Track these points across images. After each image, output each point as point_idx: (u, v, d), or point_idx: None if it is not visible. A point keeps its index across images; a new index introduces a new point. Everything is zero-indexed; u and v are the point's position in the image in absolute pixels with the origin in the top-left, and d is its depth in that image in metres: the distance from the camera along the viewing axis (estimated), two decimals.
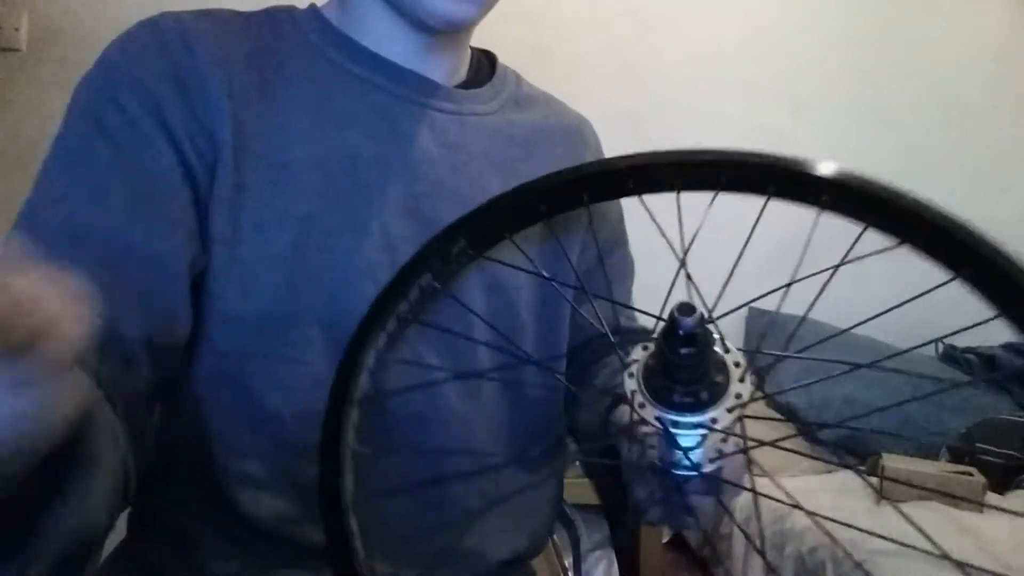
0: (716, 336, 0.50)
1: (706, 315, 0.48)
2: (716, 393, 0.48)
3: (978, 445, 1.79)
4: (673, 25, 2.24)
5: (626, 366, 0.51)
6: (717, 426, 0.48)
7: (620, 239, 0.89)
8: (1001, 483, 1.72)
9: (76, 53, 1.80)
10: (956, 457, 1.80)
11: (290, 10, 0.73)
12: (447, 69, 0.75)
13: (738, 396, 0.48)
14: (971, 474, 1.64)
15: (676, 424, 0.49)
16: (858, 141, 2.32)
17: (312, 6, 0.75)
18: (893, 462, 1.67)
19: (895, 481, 1.59)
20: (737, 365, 0.50)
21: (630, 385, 0.50)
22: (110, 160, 0.58)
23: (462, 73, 0.78)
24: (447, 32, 0.71)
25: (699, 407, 0.48)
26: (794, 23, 2.32)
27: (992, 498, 1.63)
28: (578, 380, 0.82)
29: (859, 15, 2.35)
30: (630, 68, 2.18)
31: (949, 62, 2.39)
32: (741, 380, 0.49)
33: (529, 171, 0.75)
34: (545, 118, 0.82)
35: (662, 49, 2.23)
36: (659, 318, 0.49)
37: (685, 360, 0.47)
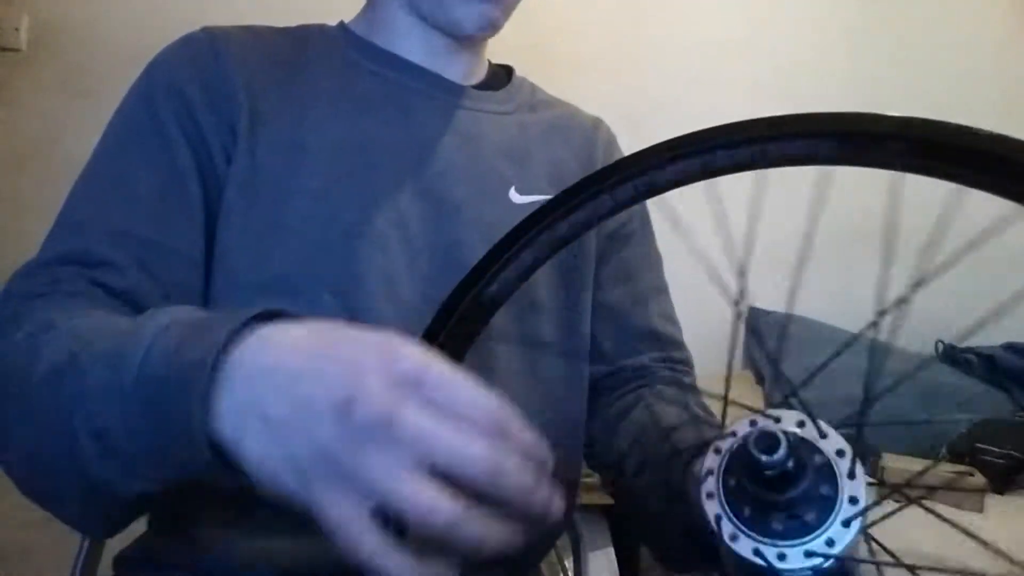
0: (801, 424, 0.40)
1: (788, 426, 0.38)
2: (825, 507, 0.39)
3: (978, 445, 1.79)
4: (673, 24, 2.24)
5: (699, 481, 0.41)
6: (835, 550, 0.39)
7: (641, 230, 0.89)
8: (1001, 483, 1.72)
9: (76, 53, 1.79)
10: (956, 457, 1.80)
11: (321, 25, 0.82)
12: (464, 71, 0.80)
13: (853, 500, 0.40)
14: (971, 474, 1.64)
15: (783, 557, 0.39)
16: None
17: (341, 22, 0.83)
18: (893, 462, 1.66)
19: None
20: (841, 454, 0.41)
21: (712, 509, 0.40)
22: (142, 166, 0.66)
23: (479, 76, 0.83)
24: (478, 40, 0.78)
25: (806, 530, 0.39)
26: (794, 22, 2.32)
27: (992, 498, 1.63)
28: (609, 433, 0.76)
29: (859, 15, 2.35)
30: (630, 68, 2.18)
31: (949, 62, 2.39)
32: (851, 476, 0.41)
33: (545, 160, 0.79)
34: (559, 118, 0.85)
35: (662, 48, 2.22)
36: (721, 432, 0.39)
37: (779, 496, 0.39)
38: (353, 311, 0.66)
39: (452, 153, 0.73)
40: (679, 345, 0.85)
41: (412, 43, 0.77)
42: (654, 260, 0.89)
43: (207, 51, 0.71)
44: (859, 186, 2.32)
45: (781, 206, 2.28)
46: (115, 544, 0.77)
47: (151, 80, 0.70)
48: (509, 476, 0.36)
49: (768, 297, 2.20)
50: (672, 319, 0.87)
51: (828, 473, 0.40)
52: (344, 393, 0.36)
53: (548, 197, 0.77)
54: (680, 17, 2.25)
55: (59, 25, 1.86)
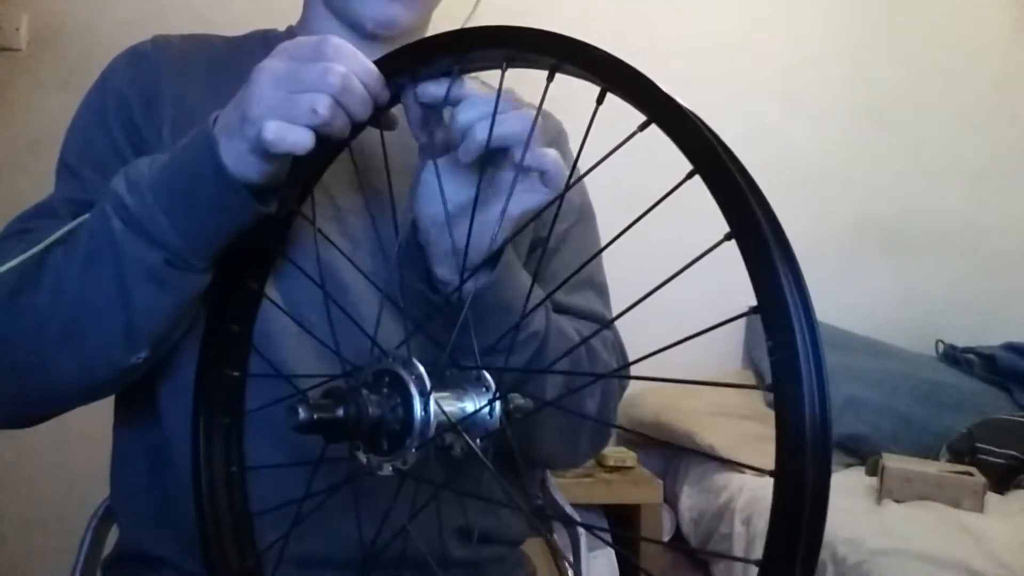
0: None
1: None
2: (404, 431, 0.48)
3: (978, 445, 1.79)
4: (673, 25, 2.24)
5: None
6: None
7: (579, 217, 0.85)
8: (1001, 483, 1.72)
9: (76, 53, 1.80)
10: (956, 457, 1.80)
11: (266, 32, 0.81)
12: None
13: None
14: (971, 474, 1.64)
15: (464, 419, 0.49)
16: (858, 141, 2.32)
17: (289, 27, 0.82)
18: (893, 462, 1.67)
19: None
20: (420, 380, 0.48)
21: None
22: (95, 179, 0.70)
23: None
24: (385, 36, 0.75)
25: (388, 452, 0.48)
26: (794, 23, 2.32)
27: (992, 498, 1.63)
28: None
29: (859, 15, 2.35)
30: None
31: (949, 61, 2.39)
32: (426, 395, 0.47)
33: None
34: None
35: (662, 49, 2.22)
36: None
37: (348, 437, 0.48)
38: (295, 303, 0.68)
39: (391, 159, 0.68)
40: (600, 319, 0.80)
41: None
42: (588, 245, 0.85)
43: (150, 61, 0.75)
44: (861, 188, 2.33)
45: (782, 207, 2.29)
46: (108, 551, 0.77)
47: (103, 91, 0.75)
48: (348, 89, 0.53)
49: None
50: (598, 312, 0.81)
51: (406, 403, 0.48)
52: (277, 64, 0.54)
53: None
54: (681, 18, 2.25)
55: (59, 25, 1.86)
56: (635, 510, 1.79)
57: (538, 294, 0.67)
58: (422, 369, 0.48)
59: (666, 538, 1.91)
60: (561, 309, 0.76)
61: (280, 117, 0.52)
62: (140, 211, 0.57)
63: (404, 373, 0.49)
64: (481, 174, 0.57)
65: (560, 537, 1.03)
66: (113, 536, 0.83)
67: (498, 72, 0.53)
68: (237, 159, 0.55)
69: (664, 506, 1.87)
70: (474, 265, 0.59)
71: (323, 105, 0.52)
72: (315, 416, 0.48)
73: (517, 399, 0.51)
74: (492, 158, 0.56)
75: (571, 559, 0.96)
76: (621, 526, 1.85)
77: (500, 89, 0.53)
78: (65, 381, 0.63)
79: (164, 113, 0.72)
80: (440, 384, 0.49)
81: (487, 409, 0.49)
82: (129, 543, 0.73)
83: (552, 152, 0.55)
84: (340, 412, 0.48)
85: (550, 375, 0.68)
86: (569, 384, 0.70)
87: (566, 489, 1.22)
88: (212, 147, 0.55)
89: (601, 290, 0.84)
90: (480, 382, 0.50)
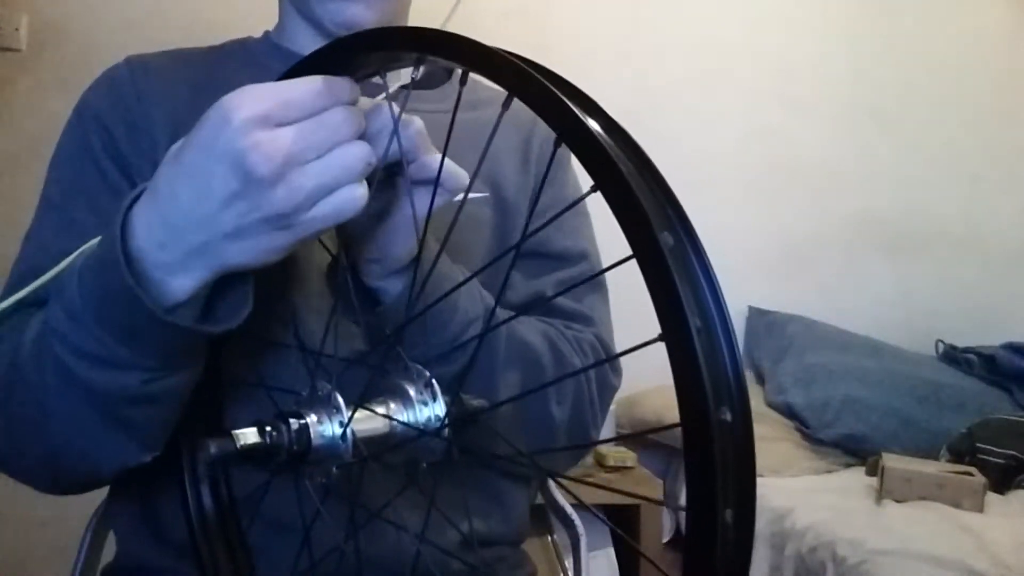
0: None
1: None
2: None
3: (978, 445, 1.79)
4: (673, 25, 2.24)
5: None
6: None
7: (561, 227, 0.81)
8: (1001, 483, 1.72)
9: (76, 53, 1.79)
10: (956, 457, 1.80)
11: (245, 39, 0.81)
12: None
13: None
14: (971, 474, 1.64)
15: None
16: (858, 141, 2.32)
17: (266, 32, 0.82)
18: (893, 462, 1.67)
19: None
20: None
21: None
22: (90, 213, 0.68)
23: (403, 77, 0.75)
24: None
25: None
26: (795, 23, 2.32)
27: (992, 498, 1.63)
28: None
29: (860, 15, 2.35)
30: (630, 68, 2.18)
31: (949, 62, 2.39)
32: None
33: (474, 160, 0.75)
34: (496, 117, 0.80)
35: (662, 49, 2.23)
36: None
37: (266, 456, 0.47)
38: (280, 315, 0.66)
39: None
40: (586, 319, 0.76)
41: (307, 44, 0.71)
42: (571, 256, 0.82)
43: (129, 88, 0.72)
44: (861, 188, 2.33)
45: (783, 207, 2.29)
46: (108, 553, 0.77)
47: (83, 121, 0.72)
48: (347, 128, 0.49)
49: (763, 296, 2.21)
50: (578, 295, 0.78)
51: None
52: (240, 167, 0.46)
53: (483, 195, 0.77)
54: (681, 18, 2.25)
55: (59, 25, 1.86)
56: (635, 510, 1.79)
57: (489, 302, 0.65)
58: (341, 401, 0.48)
59: (666, 538, 1.91)
60: (548, 310, 0.74)
61: (327, 191, 0.48)
62: (94, 347, 0.51)
63: (322, 410, 0.48)
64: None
65: (560, 538, 1.03)
66: (112, 537, 0.83)
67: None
68: (194, 287, 0.50)
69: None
70: (395, 270, 0.59)
71: (373, 156, 0.49)
72: (223, 450, 0.46)
73: (471, 400, 0.49)
74: (392, 167, 0.55)
75: (571, 559, 0.96)
76: (621, 526, 1.85)
77: (399, 114, 0.53)
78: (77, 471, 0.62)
79: (156, 138, 0.69)
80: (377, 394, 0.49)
81: (431, 416, 0.48)
82: (125, 553, 0.72)
83: (435, 159, 0.54)
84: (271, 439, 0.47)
85: (504, 384, 0.64)
86: (526, 388, 0.66)
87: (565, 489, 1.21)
88: (135, 295, 0.48)
89: (596, 290, 0.81)
90: (425, 386, 0.49)
